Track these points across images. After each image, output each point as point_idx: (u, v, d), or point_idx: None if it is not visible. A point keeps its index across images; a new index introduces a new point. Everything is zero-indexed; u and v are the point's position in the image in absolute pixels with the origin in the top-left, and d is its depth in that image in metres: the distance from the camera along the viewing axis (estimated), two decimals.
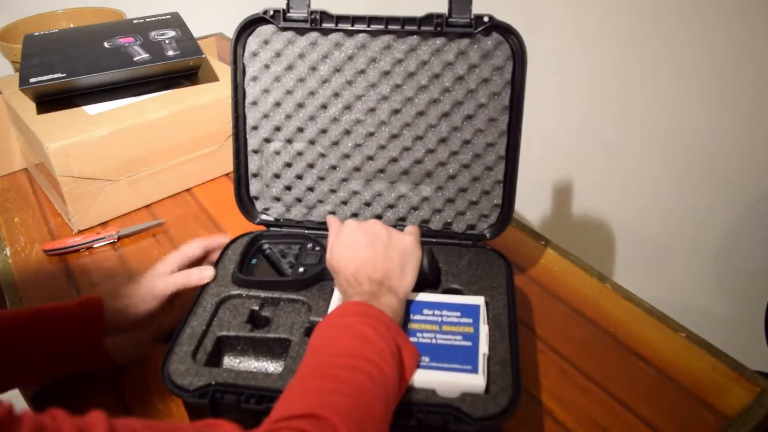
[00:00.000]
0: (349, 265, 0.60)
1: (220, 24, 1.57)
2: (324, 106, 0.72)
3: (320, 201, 0.75)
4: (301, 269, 0.68)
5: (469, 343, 0.57)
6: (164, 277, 0.66)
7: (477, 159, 0.71)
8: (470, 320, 0.59)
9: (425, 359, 0.55)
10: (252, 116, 0.73)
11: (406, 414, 0.52)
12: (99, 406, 0.63)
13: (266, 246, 0.73)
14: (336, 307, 0.55)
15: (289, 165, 0.75)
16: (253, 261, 0.71)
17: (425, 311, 0.61)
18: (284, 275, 0.69)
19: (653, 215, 1.35)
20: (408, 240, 0.62)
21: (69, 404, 0.64)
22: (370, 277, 0.58)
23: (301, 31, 0.70)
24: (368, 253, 0.60)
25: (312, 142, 0.74)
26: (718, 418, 0.61)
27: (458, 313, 0.60)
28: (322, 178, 0.75)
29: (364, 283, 0.57)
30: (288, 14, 0.69)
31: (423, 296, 0.62)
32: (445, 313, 0.61)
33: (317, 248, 0.71)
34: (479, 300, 0.63)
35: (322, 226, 0.75)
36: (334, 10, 0.69)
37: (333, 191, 0.75)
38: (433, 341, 0.57)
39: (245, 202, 0.76)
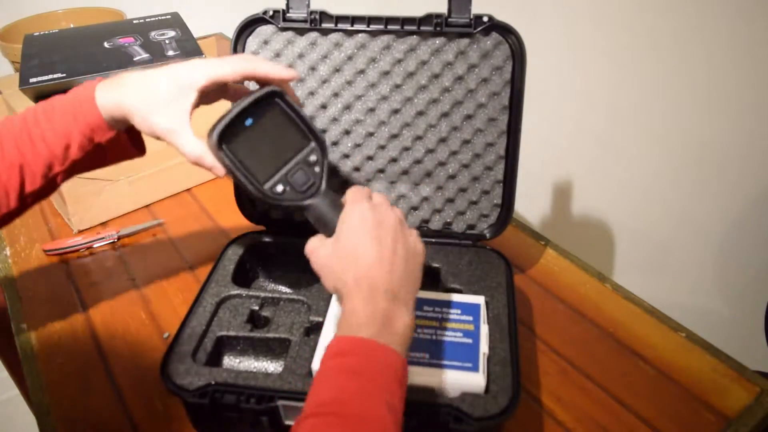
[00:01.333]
0: (349, 268, 0.48)
1: (220, 24, 1.57)
2: (323, 107, 0.72)
3: None
4: (280, 187, 0.53)
5: (470, 341, 0.57)
6: (180, 102, 0.53)
7: (477, 159, 0.71)
8: (471, 318, 0.60)
9: (425, 356, 0.55)
10: None
11: (406, 414, 0.52)
12: (99, 406, 0.64)
13: (275, 111, 0.53)
14: (344, 342, 0.45)
15: None
16: (249, 121, 0.52)
17: (425, 308, 0.61)
18: (267, 167, 0.53)
19: (653, 215, 1.34)
20: (414, 236, 0.53)
21: (70, 404, 0.64)
22: (384, 287, 0.47)
23: (301, 32, 0.70)
24: (376, 252, 0.48)
25: None
26: (718, 418, 0.61)
27: (458, 311, 0.61)
28: None
29: (378, 298, 0.46)
30: (287, 14, 0.69)
31: (423, 294, 0.62)
32: (445, 310, 0.61)
33: (317, 168, 0.54)
34: (480, 299, 0.63)
35: None
36: (334, 10, 0.69)
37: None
38: (434, 338, 0.57)
39: (245, 202, 0.76)
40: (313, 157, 0.54)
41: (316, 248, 0.52)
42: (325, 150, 0.55)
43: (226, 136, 0.51)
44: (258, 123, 0.52)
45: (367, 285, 0.47)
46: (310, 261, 0.52)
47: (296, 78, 0.56)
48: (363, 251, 0.48)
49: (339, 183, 0.74)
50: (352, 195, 0.53)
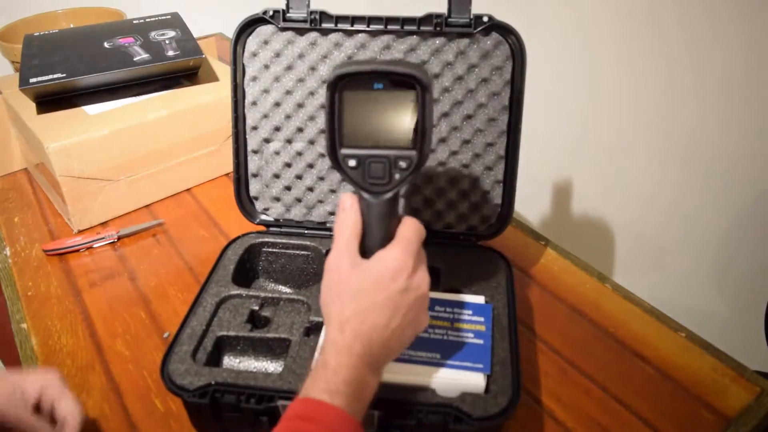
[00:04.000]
0: (355, 316, 0.45)
1: (220, 24, 1.57)
2: (324, 107, 0.72)
3: (320, 201, 0.75)
4: (353, 162, 0.49)
5: (481, 341, 0.57)
6: None
7: (477, 159, 0.71)
8: (482, 319, 0.60)
9: (436, 356, 0.56)
10: (252, 116, 0.73)
11: (406, 414, 0.52)
12: (99, 406, 0.64)
13: (409, 96, 0.48)
14: (314, 408, 0.42)
15: (289, 165, 0.75)
16: (378, 86, 0.47)
17: (437, 308, 0.61)
18: (358, 137, 0.49)
19: (653, 215, 1.34)
20: (426, 314, 0.49)
21: None
22: (375, 356, 0.45)
23: (301, 32, 0.70)
24: (386, 318, 0.46)
25: (312, 142, 0.74)
26: (718, 418, 0.61)
27: (470, 312, 0.61)
28: (322, 178, 0.75)
29: (363, 365, 0.45)
30: (287, 14, 0.69)
31: (435, 294, 0.62)
32: (456, 310, 0.61)
33: (398, 174, 0.49)
34: (480, 299, 0.63)
35: (322, 226, 0.76)
36: (334, 10, 0.69)
37: (333, 191, 0.75)
38: (445, 338, 0.58)
39: (245, 202, 0.76)
40: (403, 163, 0.48)
41: (342, 259, 0.47)
42: (419, 167, 0.49)
43: (346, 82, 0.47)
44: (384, 94, 0.47)
45: (361, 347, 0.45)
46: (327, 257, 0.49)
47: None
48: (376, 312, 0.45)
49: (339, 181, 0.74)
50: (407, 232, 0.48)
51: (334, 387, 0.43)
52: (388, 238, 0.48)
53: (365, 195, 0.49)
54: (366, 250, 0.49)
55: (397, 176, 0.48)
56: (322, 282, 0.49)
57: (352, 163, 0.49)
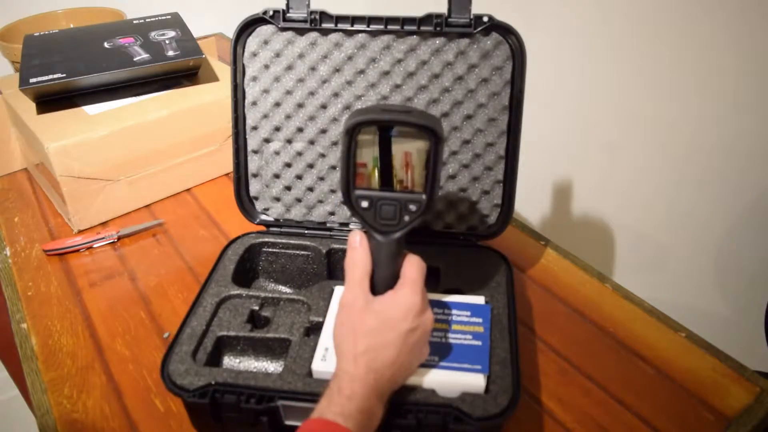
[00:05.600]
0: (367, 352, 0.48)
1: (220, 24, 1.57)
2: (324, 106, 0.72)
3: (320, 201, 0.75)
4: (365, 203, 0.51)
5: (479, 343, 0.57)
6: None
7: (477, 159, 0.71)
8: (480, 320, 0.60)
9: (435, 359, 0.56)
10: (252, 116, 0.73)
11: (405, 414, 0.52)
12: (99, 406, 0.64)
13: (422, 145, 0.50)
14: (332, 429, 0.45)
15: (289, 165, 0.75)
16: (393, 132, 0.50)
17: (435, 309, 0.60)
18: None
19: (653, 215, 1.35)
20: (427, 347, 0.53)
21: (70, 404, 0.64)
22: (384, 389, 0.49)
23: (301, 32, 0.70)
24: (395, 354, 0.49)
25: (312, 142, 0.74)
26: (718, 418, 0.61)
27: (468, 313, 0.61)
28: (322, 178, 0.75)
29: (375, 396, 0.48)
30: (288, 14, 0.69)
31: (432, 296, 0.62)
32: (455, 312, 0.61)
33: (407, 217, 0.51)
34: (480, 299, 0.63)
35: (322, 226, 0.76)
36: (334, 10, 0.69)
37: (333, 191, 0.75)
38: (443, 340, 0.57)
39: (245, 202, 0.76)
40: (413, 206, 0.51)
41: (356, 298, 0.50)
42: (427, 212, 0.51)
43: (363, 127, 0.49)
44: (398, 140, 0.50)
45: (373, 380, 0.48)
46: (341, 295, 0.51)
47: None
48: (387, 349, 0.49)
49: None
50: (414, 271, 0.51)
51: (348, 412, 0.45)
52: (395, 274, 0.52)
53: (375, 235, 0.51)
54: (375, 285, 0.52)
55: (406, 218, 0.51)
56: (337, 316, 0.52)
57: (364, 204, 0.51)
